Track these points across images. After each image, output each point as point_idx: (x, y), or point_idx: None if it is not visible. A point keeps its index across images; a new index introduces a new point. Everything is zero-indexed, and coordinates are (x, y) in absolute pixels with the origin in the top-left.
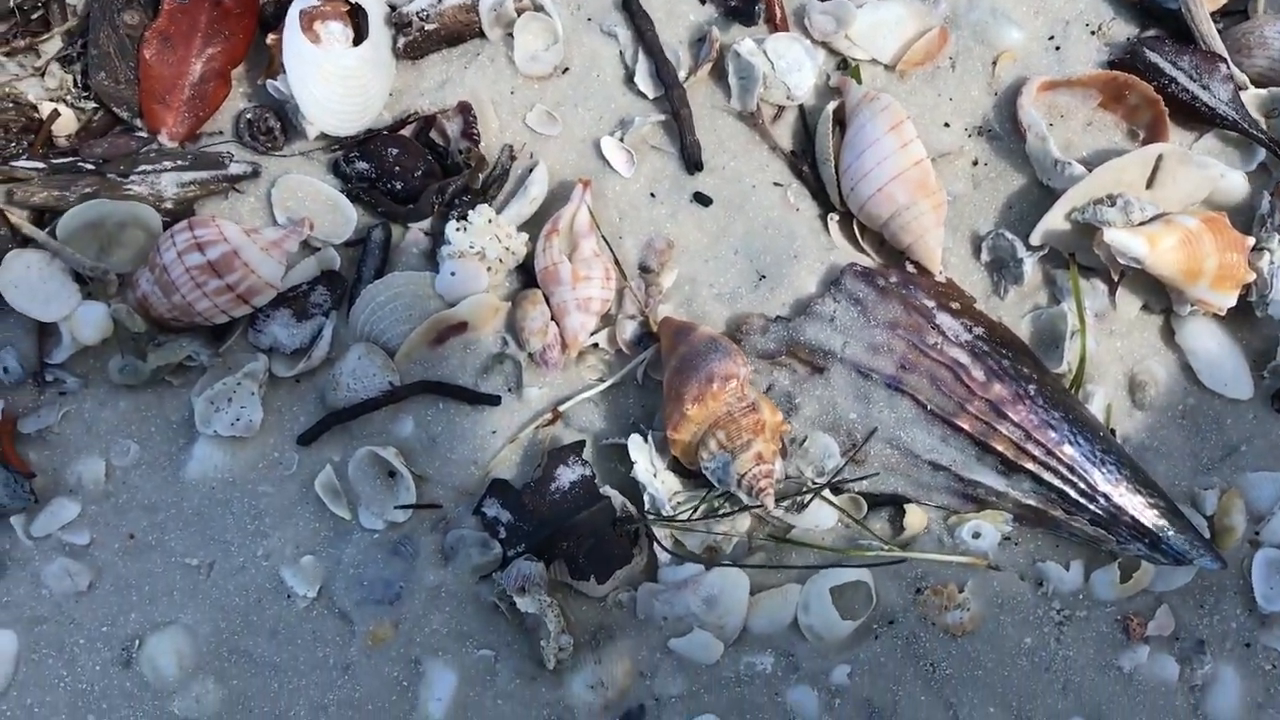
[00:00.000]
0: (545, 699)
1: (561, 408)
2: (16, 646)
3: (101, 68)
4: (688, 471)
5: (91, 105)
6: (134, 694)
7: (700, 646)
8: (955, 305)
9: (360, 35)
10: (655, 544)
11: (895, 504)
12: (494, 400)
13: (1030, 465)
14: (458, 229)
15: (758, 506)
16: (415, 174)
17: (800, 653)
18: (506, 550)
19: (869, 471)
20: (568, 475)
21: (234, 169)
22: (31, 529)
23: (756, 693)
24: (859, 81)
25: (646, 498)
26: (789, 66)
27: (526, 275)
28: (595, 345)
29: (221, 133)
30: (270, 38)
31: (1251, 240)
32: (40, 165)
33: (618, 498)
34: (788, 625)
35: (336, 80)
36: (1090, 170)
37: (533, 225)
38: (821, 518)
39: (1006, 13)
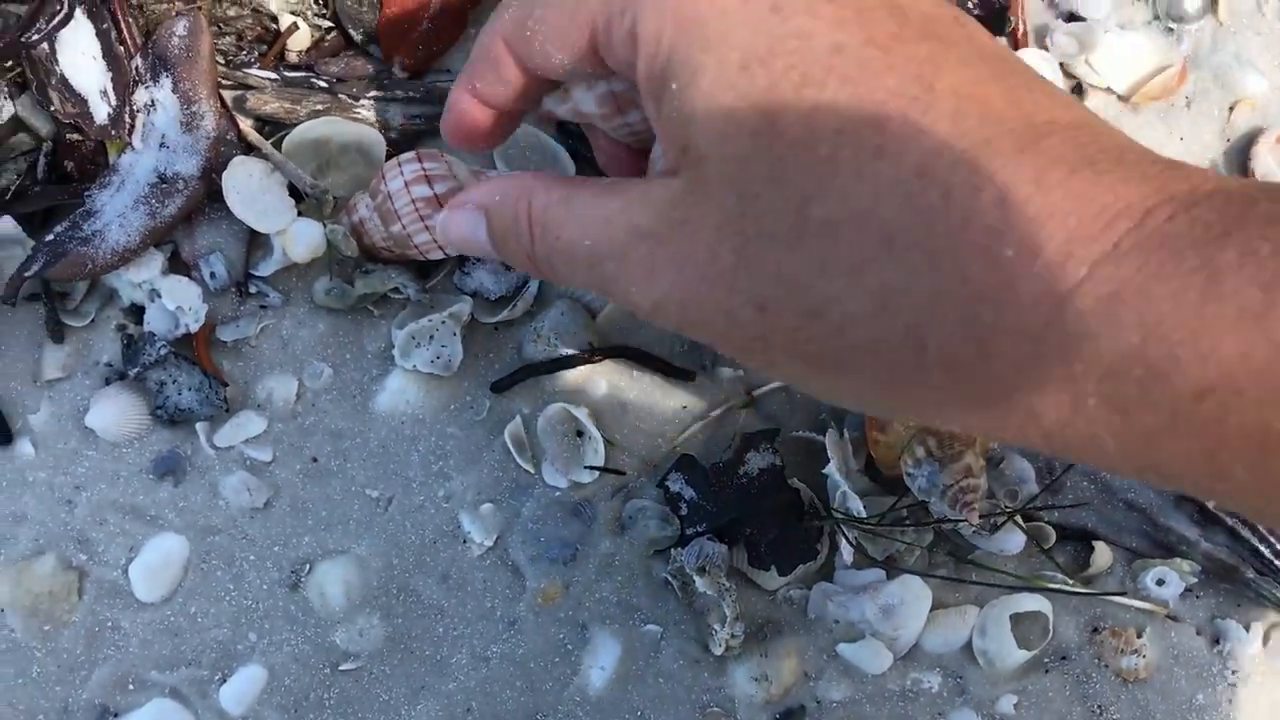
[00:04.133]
0: (707, 684)
1: (756, 392)
2: (187, 554)
3: None
4: (877, 475)
5: (327, 24)
6: (297, 618)
7: (870, 655)
8: None
9: None
10: (845, 543)
11: (1082, 539)
12: (690, 375)
13: (1228, 519)
14: None
15: (960, 521)
16: None
17: (969, 676)
18: (685, 528)
19: (1068, 502)
20: (757, 461)
21: None
22: (215, 438)
23: (920, 711)
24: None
25: (839, 495)
26: None
27: None
28: None
29: (449, 71)
30: None
31: None
32: (273, 76)
33: (806, 491)
34: (961, 647)
35: None
36: None
37: None
38: (1008, 543)
39: (1251, 60)
